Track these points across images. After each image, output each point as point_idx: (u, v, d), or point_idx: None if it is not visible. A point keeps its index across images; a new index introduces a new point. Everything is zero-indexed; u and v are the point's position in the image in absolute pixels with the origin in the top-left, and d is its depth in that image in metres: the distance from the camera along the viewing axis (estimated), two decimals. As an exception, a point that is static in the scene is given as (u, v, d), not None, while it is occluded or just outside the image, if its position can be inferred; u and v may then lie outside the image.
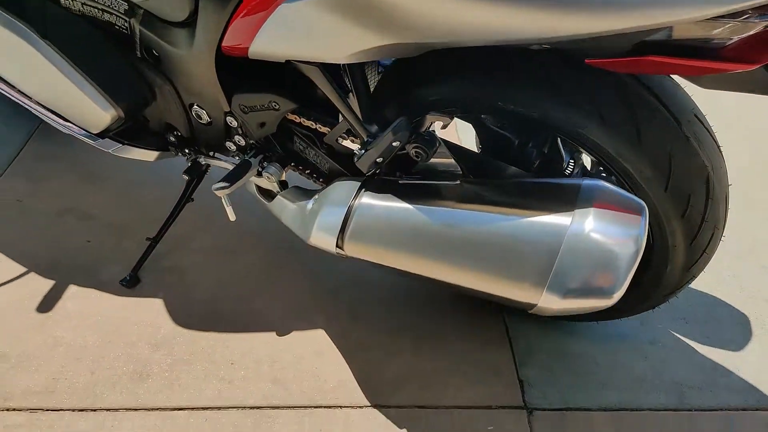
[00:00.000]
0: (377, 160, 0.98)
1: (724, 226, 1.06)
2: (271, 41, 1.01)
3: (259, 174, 1.30)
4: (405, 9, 0.79)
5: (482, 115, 1.12)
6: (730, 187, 1.05)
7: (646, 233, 0.82)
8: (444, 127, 0.94)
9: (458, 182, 0.95)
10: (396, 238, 0.97)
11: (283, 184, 1.31)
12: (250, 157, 1.27)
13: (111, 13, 1.18)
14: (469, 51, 0.95)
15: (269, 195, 1.33)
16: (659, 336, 1.41)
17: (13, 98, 1.40)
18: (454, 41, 0.81)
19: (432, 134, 0.94)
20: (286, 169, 1.30)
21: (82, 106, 1.28)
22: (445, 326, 1.42)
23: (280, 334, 1.39)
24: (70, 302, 1.44)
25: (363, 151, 1.00)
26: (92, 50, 1.23)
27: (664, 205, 0.99)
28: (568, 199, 0.83)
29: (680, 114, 0.95)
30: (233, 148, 1.32)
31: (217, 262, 1.55)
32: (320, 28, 0.92)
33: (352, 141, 1.18)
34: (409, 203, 0.96)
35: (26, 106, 1.41)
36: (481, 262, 0.88)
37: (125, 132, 1.40)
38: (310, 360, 1.34)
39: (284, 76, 1.17)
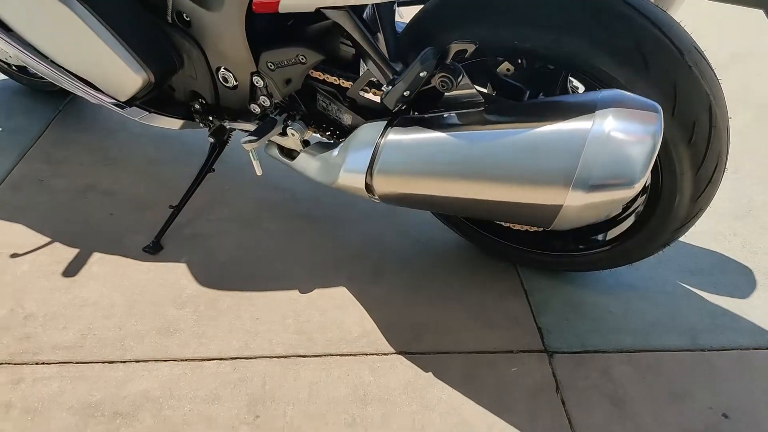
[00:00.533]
0: (405, 93, 1.05)
1: (726, 159, 1.13)
2: (302, -10, 1.09)
3: (283, 133, 1.36)
4: None
5: (498, 58, 1.19)
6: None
7: (662, 131, 0.88)
8: (467, 56, 1.01)
9: (481, 108, 1.02)
10: (424, 165, 1.02)
11: (305, 144, 1.37)
12: (275, 116, 1.33)
13: (144, -23, 1.26)
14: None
15: (292, 155, 1.39)
16: (668, 287, 1.47)
17: (46, 72, 1.45)
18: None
19: (456, 64, 1.01)
20: (309, 128, 1.36)
21: (115, 70, 1.34)
22: (461, 282, 1.47)
23: (303, 291, 1.43)
24: (95, 266, 1.47)
25: (390, 87, 1.07)
26: (127, 15, 1.30)
27: (671, 130, 1.05)
28: (588, 107, 0.89)
29: (682, 44, 1.03)
30: (257, 110, 1.38)
31: (238, 230, 1.59)
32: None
33: (374, 93, 1.25)
34: (435, 132, 1.02)
35: (59, 80, 1.47)
36: (508, 172, 0.94)
37: (151, 101, 1.47)
38: (333, 313, 1.38)
39: (309, 31, 1.24)
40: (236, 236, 1.57)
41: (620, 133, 0.86)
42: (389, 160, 1.07)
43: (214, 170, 1.59)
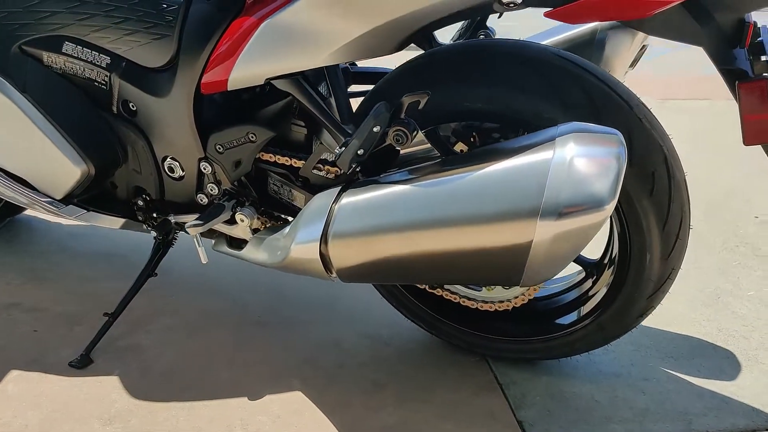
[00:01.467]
0: (359, 152, 1.01)
1: (690, 215, 1.11)
2: (252, 64, 1.08)
3: (231, 222, 1.29)
4: None
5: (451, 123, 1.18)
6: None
7: (626, 154, 0.85)
8: (420, 105, 0.99)
9: (438, 160, 0.98)
10: (382, 220, 0.95)
11: (255, 232, 1.29)
12: (223, 202, 1.27)
13: (93, 68, 1.24)
14: (437, 69, 1.06)
15: (241, 247, 1.30)
16: (652, 373, 1.36)
17: None
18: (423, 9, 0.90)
19: (409, 119, 0.99)
20: (260, 217, 1.29)
21: (52, 162, 1.27)
22: (428, 379, 1.33)
23: (253, 398, 1.27)
24: (11, 385, 1.28)
25: (343, 148, 1.03)
26: (69, 106, 1.27)
27: (632, 182, 1.03)
28: (547, 139, 0.86)
29: (629, 99, 1.04)
30: (204, 200, 1.31)
31: (181, 339, 1.44)
32: (304, 32, 1.00)
33: (328, 170, 1.21)
34: (391, 186, 0.97)
35: None
36: (471, 214, 0.87)
37: (91, 199, 1.39)
38: (288, 419, 1.21)
39: (258, 108, 1.22)
40: (178, 346, 1.42)
41: (584, 156, 0.83)
42: (344, 221, 1.00)
43: (156, 274, 1.47)
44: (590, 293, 1.25)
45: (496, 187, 0.86)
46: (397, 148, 0.99)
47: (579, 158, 0.82)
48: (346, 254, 1.01)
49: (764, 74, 0.89)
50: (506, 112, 1.05)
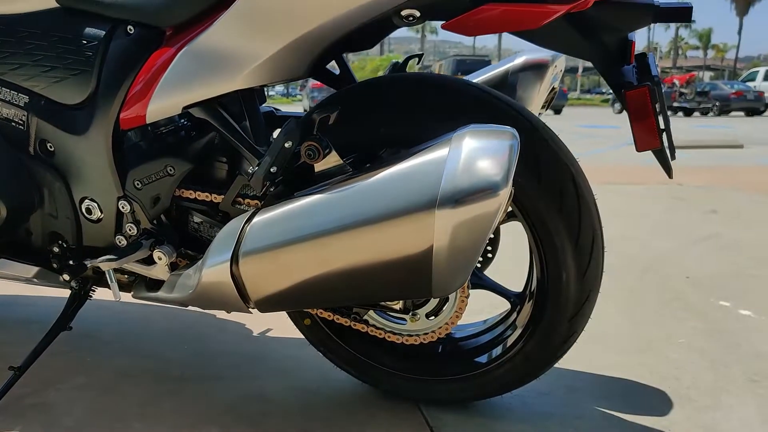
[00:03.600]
0: (271, 170, 1.01)
1: (602, 235, 1.14)
2: (169, 94, 1.10)
3: (149, 262, 1.25)
4: None
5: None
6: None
7: (519, 147, 0.87)
8: (330, 120, 1.01)
9: (348, 174, 0.99)
10: (292, 232, 0.94)
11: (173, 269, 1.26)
12: (141, 240, 1.24)
13: (10, 108, 1.24)
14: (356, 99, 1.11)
15: (158, 288, 1.26)
16: (584, 411, 1.33)
17: None
18: (332, 20, 0.95)
19: (322, 135, 1.01)
20: (180, 255, 1.26)
21: (-40, 202, 1.23)
22: (358, 423, 1.26)
23: (166, 449, 1.18)
24: None
25: (256, 168, 1.04)
26: (-18, 145, 1.25)
27: (541, 200, 1.06)
28: (444, 139, 0.89)
29: (534, 121, 1.10)
30: (123, 242, 1.28)
31: (93, 397, 1.35)
32: (218, 56, 1.03)
33: (248, 204, 1.21)
34: (301, 200, 0.96)
35: None
36: (373, 215, 0.86)
37: (3, 246, 1.34)
38: (202, 468, 1.12)
39: (175, 141, 1.23)
40: (89, 403, 1.32)
41: (478, 148, 0.85)
42: (254, 239, 0.98)
43: (71, 328, 1.39)
44: (515, 324, 1.24)
45: (395, 185, 0.87)
46: (310, 163, 1.00)
47: (474, 150, 0.85)
48: (257, 274, 0.99)
49: (646, 82, 0.95)
50: (419, 135, 1.08)
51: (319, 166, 1.03)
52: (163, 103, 1.11)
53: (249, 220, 1.02)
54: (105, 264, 1.19)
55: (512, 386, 1.25)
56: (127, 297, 1.35)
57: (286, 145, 1.00)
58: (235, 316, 1.80)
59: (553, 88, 1.38)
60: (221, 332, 1.71)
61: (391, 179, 0.88)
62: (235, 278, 1.01)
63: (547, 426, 1.27)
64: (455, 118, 1.06)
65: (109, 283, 1.25)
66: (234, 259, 1.00)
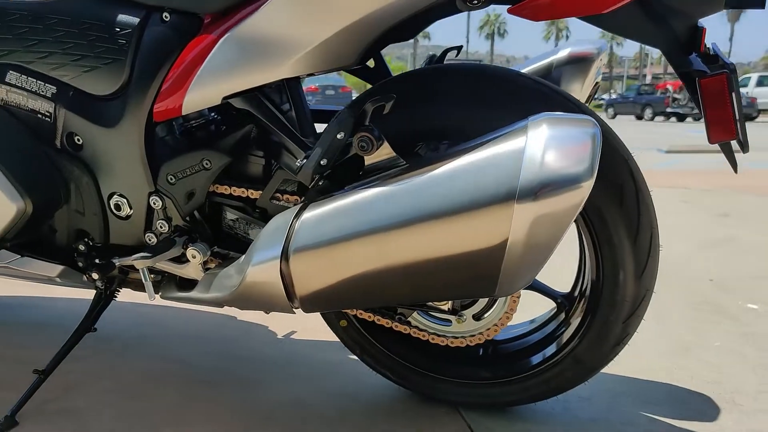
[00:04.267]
0: (321, 162, 0.96)
1: (658, 235, 1.09)
2: (208, 83, 1.05)
3: (181, 260, 1.20)
4: None
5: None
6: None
7: (601, 136, 0.82)
8: (385, 110, 0.96)
9: (405, 165, 0.94)
10: (350, 228, 0.88)
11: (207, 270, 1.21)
12: (174, 238, 1.18)
13: (37, 99, 1.18)
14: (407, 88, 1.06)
15: (190, 288, 1.21)
16: (631, 417, 1.29)
17: None
18: (394, 3, 0.90)
19: (374, 126, 0.96)
20: (212, 254, 1.21)
21: (-15, 197, 1.18)
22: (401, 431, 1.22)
23: (201, 457, 1.12)
24: None
25: (304, 160, 0.99)
26: (8, 138, 1.20)
27: (601, 193, 1.02)
28: (518, 128, 0.84)
29: (591, 114, 1.05)
30: (153, 239, 1.22)
31: (120, 401, 1.29)
32: (265, 43, 0.98)
33: (287, 199, 1.16)
34: (357, 194, 0.91)
35: None
36: (442, 209, 0.82)
37: (26, 244, 1.28)
38: (241, 476, 1.07)
39: (212, 133, 1.18)
40: (118, 408, 1.27)
41: (559, 137, 0.80)
42: (306, 234, 0.93)
43: (95, 329, 1.34)
44: (563, 326, 1.19)
45: (466, 177, 0.82)
46: (363, 155, 0.95)
47: (554, 138, 0.80)
48: (309, 272, 0.94)
49: (722, 70, 0.91)
50: (470, 127, 1.03)
51: (370, 159, 0.98)
52: (202, 94, 1.07)
53: (298, 215, 0.96)
54: (139, 262, 1.13)
55: (559, 390, 1.20)
56: (141, 297, 1.30)
57: (338, 136, 0.95)
58: (257, 318, 1.75)
59: (597, 82, 1.34)
60: (245, 335, 1.65)
61: (460, 171, 0.84)
62: (284, 276, 0.96)
63: (593, 432, 1.23)
64: (510, 109, 1.02)
65: (144, 282, 1.19)
66: (284, 256, 0.94)
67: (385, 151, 0.96)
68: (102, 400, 1.29)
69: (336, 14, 0.93)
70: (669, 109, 19.77)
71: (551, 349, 1.18)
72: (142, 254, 1.13)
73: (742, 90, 22.00)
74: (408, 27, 1.02)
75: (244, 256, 1.06)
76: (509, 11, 0.94)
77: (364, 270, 0.90)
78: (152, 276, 1.29)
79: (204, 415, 1.25)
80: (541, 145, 0.80)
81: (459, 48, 1.36)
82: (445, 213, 0.83)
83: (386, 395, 1.35)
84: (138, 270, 1.25)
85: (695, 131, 12.89)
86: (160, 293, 1.27)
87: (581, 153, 0.79)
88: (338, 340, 1.31)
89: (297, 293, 0.98)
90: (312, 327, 1.68)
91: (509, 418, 1.26)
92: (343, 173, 1.02)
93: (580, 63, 1.29)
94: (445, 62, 1.34)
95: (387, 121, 1.04)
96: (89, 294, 1.35)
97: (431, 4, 0.90)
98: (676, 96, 20.21)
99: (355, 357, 1.32)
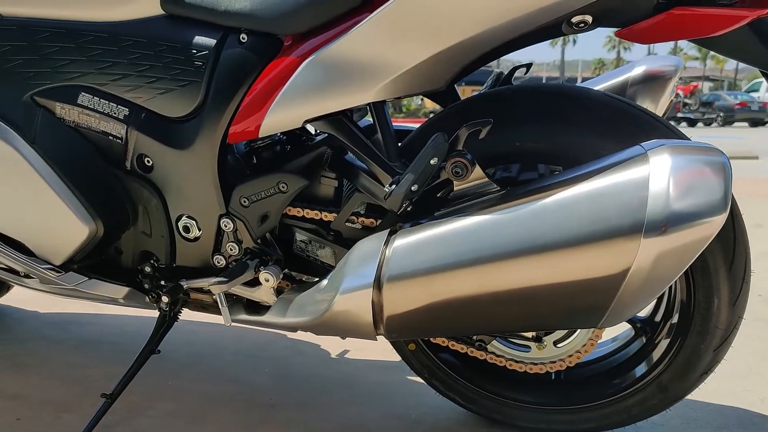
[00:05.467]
0: (413, 188, 0.94)
1: (750, 262, 1.06)
2: (290, 106, 1.03)
3: (252, 284, 1.18)
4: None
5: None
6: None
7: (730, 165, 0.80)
8: (481, 135, 0.94)
9: (503, 191, 0.92)
10: (453, 256, 0.86)
11: (278, 294, 1.19)
12: (246, 261, 1.16)
13: (109, 120, 1.16)
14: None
15: (259, 311, 1.19)
16: (707, 442, 1.26)
17: None
18: (495, 27, 0.88)
19: (467, 151, 0.94)
20: (283, 273, 1.19)
21: (57, 220, 1.16)
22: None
23: (277, 485, 1.10)
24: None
25: (393, 186, 0.96)
26: (80, 160, 1.18)
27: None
28: (635, 155, 0.81)
29: (681, 135, 1.02)
30: (221, 262, 1.20)
31: (184, 425, 1.27)
32: (354, 66, 0.96)
33: (362, 222, 1.14)
34: (457, 220, 0.89)
35: None
36: (558, 242, 0.79)
37: (93, 265, 1.27)
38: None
39: (288, 155, 1.16)
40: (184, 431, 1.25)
41: (686, 168, 0.77)
42: (402, 262, 0.91)
43: (159, 351, 1.32)
44: (646, 353, 1.16)
45: (587, 207, 0.80)
46: (455, 181, 0.93)
47: (680, 169, 0.77)
48: (403, 300, 0.91)
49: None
50: (559, 150, 1.01)
51: (460, 184, 0.96)
52: (283, 116, 1.05)
53: (388, 242, 0.94)
54: (216, 287, 1.11)
55: (640, 417, 1.17)
56: (187, 313, 1.28)
57: (432, 161, 0.93)
58: (307, 336, 1.73)
59: (671, 100, 1.31)
60: (299, 354, 1.63)
61: (576, 201, 0.81)
62: (374, 304, 0.94)
63: (674, 459, 1.20)
64: (600, 133, 1.00)
65: (221, 308, 1.17)
66: (376, 285, 0.92)
67: (476, 176, 0.94)
68: (167, 424, 1.27)
69: (436, 37, 0.90)
70: (680, 114, 19.68)
71: (633, 376, 1.15)
72: (218, 279, 1.11)
73: (754, 95, 21.88)
74: (499, 51, 1.00)
75: (326, 282, 1.04)
76: (617, 34, 0.92)
77: (464, 300, 0.88)
78: (211, 297, 1.28)
79: (272, 440, 1.23)
80: (667, 175, 0.77)
81: (529, 66, 1.34)
82: (559, 243, 0.80)
83: (450, 419, 1.33)
84: (202, 291, 1.24)
85: (706, 136, 12.82)
86: (226, 320, 1.25)
87: (712, 185, 0.76)
88: (394, 360, 1.29)
89: (385, 321, 0.96)
90: (363, 347, 1.65)
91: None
92: (429, 198, 1.00)
93: (656, 80, 1.27)
94: (513, 80, 1.32)
95: (468, 144, 1.02)
96: (134, 311, 1.34)
97: (537, 27, 0.88)
98: (686, 101, 20.14)
99: (411, 378, 1.30)
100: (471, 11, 0.87)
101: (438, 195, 1.04)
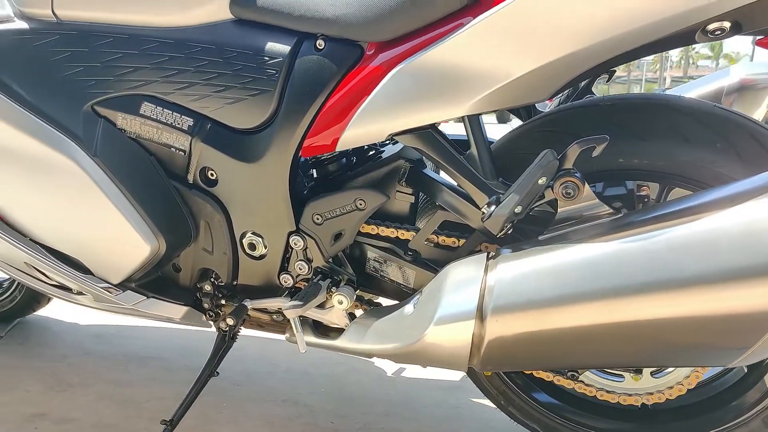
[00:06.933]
0: (516, 209, 0.87)
1: None
2: (374, 118, 0.96)
3: (322, 305, 1.11)
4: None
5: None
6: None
7: None
8: (594, 153, 0.86)
9: (619, 216, 0.85)
10: (574, 288, 0.78)
11: (351, 317, 1.12)
12: (317, 281, 1.10)
13: (172, 131, 1.09)
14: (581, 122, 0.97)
15: (328, 334, 1.12)
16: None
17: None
18: (608, 42, 0.80)
19: (577, 170, 0.86)
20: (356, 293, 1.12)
21: (119, 236, 1.10)
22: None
23: None
24: None
25: (493, 207, 0.89)
26: (142, 173, 1.11)
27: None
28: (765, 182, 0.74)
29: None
30: (289, 282, 1.13)
31: (246, 452, 1.21)
32: (450, 76, 0.89)
33: (443, 241, 1.07)
34: (575, 249, 0.81)
35: (14, 264, 1.21)
36: (698, 276, 0.72)
37: (149, 284, 1.20)
38: None
39: (365, 170, 1.09)
40: (246, 460, 1.18)
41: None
42: (510, 293, 0.83)
43: (218, 374, 1.25)
44: (754, 378, 1.07)
45: (733, 239, 0.72)
46: (565, 202, 0.86)
47: None
48: (509, 333, 0.84)
49: None
50: (667, 167, 0.94)
51: (566, 205, 0.88)
52: (365, 129, 0.97)
53: (488, 268, 0.87)
54: (291, 311, 1.04)
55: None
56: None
57: (540, 181, 0.85)
58: (358, 352, 1.66)
59: (768, 108, 1.23)
60: (353, 372, 1.56)
61: (718, 232, 0.73)
62: (474, 336, 0.86)
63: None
64: (715, 149, 0.92)
65: (296, 333, 1.10)
66: (479, 315, 0.85)
67: (586, 197, 0.87)
68: (227, 451, 1.21)
69: (550, 45, 0.83)
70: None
71: (735, 410, 1.07)
72: (293, 303, 1.04)
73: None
74: (611, 62, 0.92)
75: (412, 309, 0.96)
76: (758, 43, 0.84)
77: (579, 334, 0.80)
78: (271, 316, 1.22)
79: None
80: None
81: (612, 73, 1.26)
82: (703, 278, 0.73)
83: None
84: (262, 310, 1.18)
85: None
86: (287, 337, 1.18)
87: None
88: (453, 379, 1.23)
89: (483, 353, 0.88)
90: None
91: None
92: (528, 219, 0.93)
93: (754, 89, 1.19)
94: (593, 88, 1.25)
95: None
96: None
97: (669, 35, 0.80)
98: (698, 100, 19.99)
99: (474, 399, 1.24)
100: (594, 17, 0.79)
101: (532, 215, 0.97)
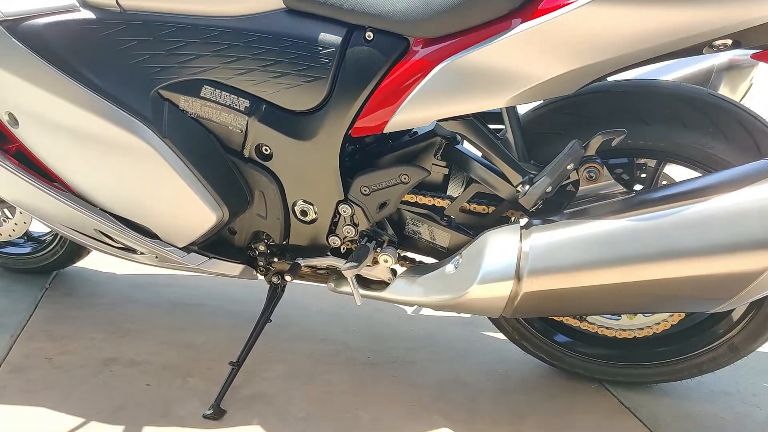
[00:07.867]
0: (547, 189, 1.05)
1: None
2: (422, 106, 1.10)
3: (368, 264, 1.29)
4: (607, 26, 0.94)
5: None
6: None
7: None
8: (613, 143, 1.04)
9: (633, 194, 1.04)
10: (598, 254, 0.99)
11: (393, 272, 1.30)
12: (365, 243, 1.27)
13: (230, 112, 1.22)
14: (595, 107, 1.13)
15: (377, 287, 1.31)
16: (758, 388, 1.45)
17: (65, 218, 1.33)
18: (632, 53, 0.96)
19: (598, 156, 1.04)
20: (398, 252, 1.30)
21: (188, 208, 1.24)
22: (561, 406, 1.37)
23: (403, 439, 1.26)
24: (149, 444, 1.22)
25: (527, 186, 1.07)
26: (206, 150, 1.24)
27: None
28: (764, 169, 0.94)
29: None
30: (337, 242, 1.31)
31: (302, 385, 1.41)
32: (492, 73, 1.03)
33: (474, 208, 1.24)
34: (598, 222, 1.00)
35: (78, 229, 1.35)
36: (698, 247, 0.93)
37: (209, 246, 1.36)
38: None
39: (408, 148, 1.24)
40: (302, 392, 1.39)
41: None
42: (544, 259, 1.03)
43: (271, 320, 1.44)
44: (720, 318, 1.31)
45: (730, 219, 0.92)
46: (589, 183, 1.04)
47: None
48: (540, 291, 1.04)
49: None
50: (668, 148, 1.12)
51: (587, 185, 1.06)
52: (413, 115, 1.12)
53: (523, 236, 1.05)
54: (349, 272, 1.21)
55: (707, 371, 1.34)
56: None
57: (569, 166, 1.03)
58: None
59: (751, 84, 1.41)
60: (378, 312, 1.76)
61: (715, 211, 0.93)
62: (511, 293, 1.06)
63: (732, 406, 1.39)
64: (713, 136, 1.10)
65: (353, 290, 1.28)
66: (517, 276, 1.04)
67: (604, 179, 1.05)
68: (284, 386, 1.41)
69: (583, 55, 0.98)
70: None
71: (710, 337, 1.30)
72: (350, 264, 1.21)
73: None
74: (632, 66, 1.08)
75: (454, 268, 1.15)
76: (754, 56, 1.00)
77: (601, 291, 1.01)
78: (316, 269, 1.39)
79: (383, 396, 1.38)
80: None
81: None
82: (701, 249, 0.94)
83: (534, 372, 1.49)
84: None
85: None
86: (332, 288, 1.36)
87: None
88: (465, 316, 1.43)
89: (515, 306, 1.09)
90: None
91: (655, 395, 1.41)
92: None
93: (740, 69, 1.36)
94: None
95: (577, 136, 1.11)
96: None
97: (679, 48, 0.96)
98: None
99: (488, 333, 1.50)
100: (624, 35, 0.95)
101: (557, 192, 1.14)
